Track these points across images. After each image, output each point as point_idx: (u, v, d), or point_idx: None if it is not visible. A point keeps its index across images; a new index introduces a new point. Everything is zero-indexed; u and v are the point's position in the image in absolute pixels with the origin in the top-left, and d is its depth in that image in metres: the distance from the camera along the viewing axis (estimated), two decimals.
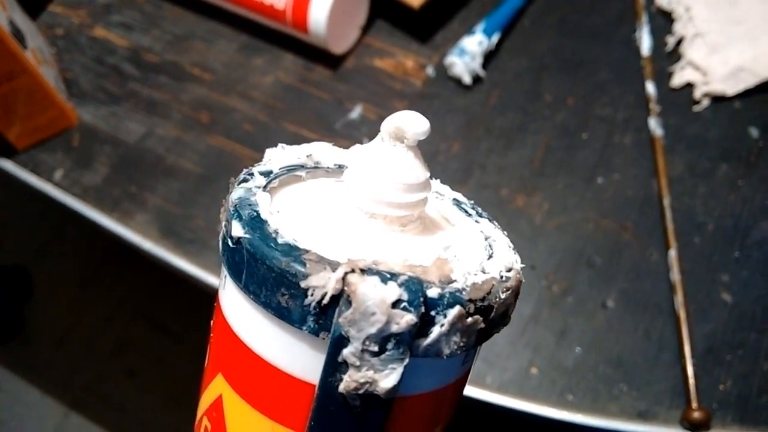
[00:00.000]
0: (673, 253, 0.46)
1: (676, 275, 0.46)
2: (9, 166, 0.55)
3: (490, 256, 0.22)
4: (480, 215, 0.25)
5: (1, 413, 1.21)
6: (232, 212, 0.20)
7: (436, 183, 0.26)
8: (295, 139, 0.55)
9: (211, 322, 0.22)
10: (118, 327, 1.28)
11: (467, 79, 0.55)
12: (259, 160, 0.48)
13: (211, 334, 0.22)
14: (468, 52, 0.54)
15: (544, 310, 0.46)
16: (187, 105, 0.58)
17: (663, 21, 0.57)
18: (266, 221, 0.20)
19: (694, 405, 0.41)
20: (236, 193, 0.21)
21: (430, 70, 0.57)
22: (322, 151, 0.25)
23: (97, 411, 1.20)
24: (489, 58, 0.57)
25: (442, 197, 0.26)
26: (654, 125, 0.51)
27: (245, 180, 0.22)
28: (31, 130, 0.55)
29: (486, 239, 0.23)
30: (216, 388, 0.21)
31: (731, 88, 0.52)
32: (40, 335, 1.28)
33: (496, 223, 0.24)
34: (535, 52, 0.57)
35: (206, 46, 0.61)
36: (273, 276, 0.18)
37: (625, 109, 0.53)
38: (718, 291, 0.46)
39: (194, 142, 0.56)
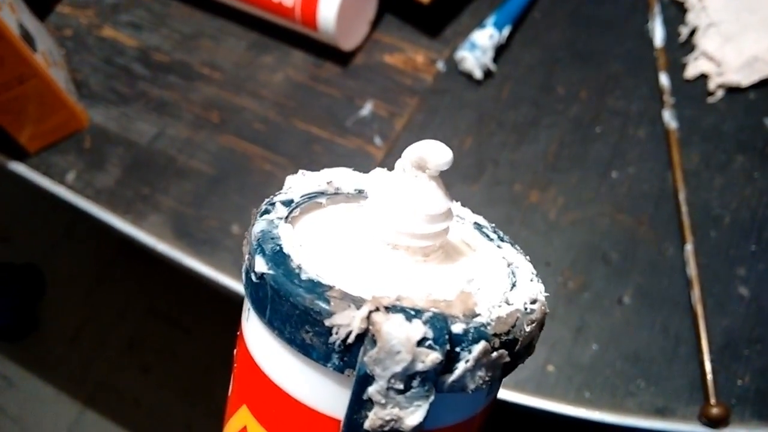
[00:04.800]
0: (689, 247, 0.46)
1: (692, 270, 0.45)
2: (22, 169, 0.55)
3: (514, 285, 0.22)
4: (502, 239, 0.25)
5: (17, 411, 1.22)
6: (255, 246, 0.20)
7: (456, 206, 0.26)
8: (306, 137, 0.55)
9: (234, 351, 0.22)
10: (131, 322, 1.29)
11: (478, 74, 0.55)
12: (270, 158, 0.49)
13: (235, 365, 0.22)
14: (479, 46, 0.54)
15: (560, 307, 0.46)
16: (198, 105, 0.57)
17: (676, 11, 0.56)
18: (289, 256, 0.20)
19: (713, 401, 0.41)
20: (258, 225, 0.21)
21: (440, 65, 0.57)
22: (342, 177, 0.25)
23: (112, 407, 1.21)
24: (500, 51, 0.56)
25: (463, 221, 0.26)
26: (668, 118, 0.51)
27: (267, 211, 0.22)
28: (42, 133, 0.55)
29: (509, 266, 0.23)
30: (241, 419, 0.21)
31: (746, 79, 0.51)
32: (53, 332, 1.29)
33: (518, 248, 0.24)
34: (547, 45, 0.57)
35: (215, 45, 0.61)
36: (297, 313, 0.18)
37: (639, 101, 0.53)
38: (735, 285, 0.45)
39: (205, 142, 0.55)
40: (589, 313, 0.45)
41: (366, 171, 0.52)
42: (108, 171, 0.55)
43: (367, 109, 0.55)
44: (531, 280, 0.22)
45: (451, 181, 0.52)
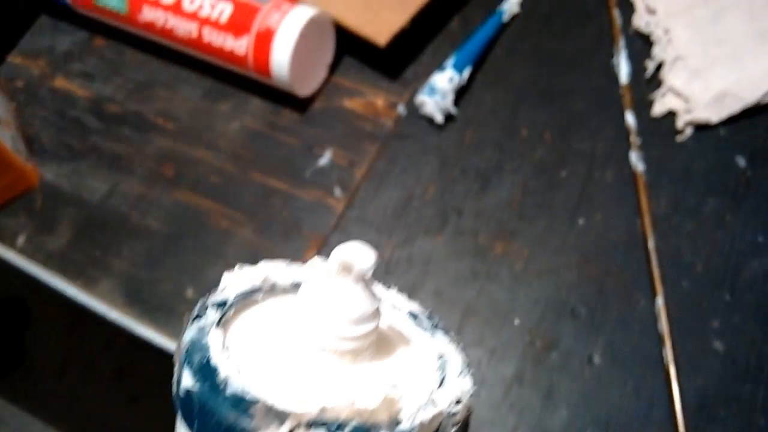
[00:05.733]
0: (660, 300, 0.44)
1: (664, 325, 0.43)
2: None
3: (442, 382, 0.21)
4: (436, 327, 0.24)
5: None
6: (183, 358, 0.20)
7: (392, 293, 0.26)
8: (264, 190, 0.53)
9: None
10: (117, 352, 1.27)
11: (439, 118, 0.53)
12: (226, 213, 0.47)
13: None
14: (438, 90, 0.52)
15: (528, 369, 0.44)
16: (151, 158, 0.55)
17: (641, 44, 0.54)
18: (216, 368, 0.20)
19: None
20: (188, 334, 0.21)
21: (401, 109, 0.55)
22: (278, 271, 0.25)
23: None
24: (462, 92, 0.54)
25: (399, 310, 0.25)
26: (635, 159, 0.49)
27: (198, 316, 0.22)
28: None
29: (440, 358, 0.23)
30: None
31: (715, 115, 0.50)
32: (39, 366, 1.27)
33: (452, 335, 0.24)
34: (510, 84, 0.55)
35: (170, 94, 0.59)
36: (223, 429, 0.19)
37: (605, 142, 0.51)
38: (710, 339, 0.43)
39: (159, 199, 0.53)
40: (558, 374, 0.44)
41: (325, 226, 0.50)
42: (59, 233, 0.53)
43: (326, 157, 0.54)
44: (460, 374, 0.22)
45: (413, 233, 0.50)
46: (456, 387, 0.21)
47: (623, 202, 0.49)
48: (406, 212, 0.51)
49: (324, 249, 0.50)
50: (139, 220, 0.53)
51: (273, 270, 0.25)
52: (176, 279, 0.50)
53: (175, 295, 0.50)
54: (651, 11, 0.54)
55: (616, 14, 0.55)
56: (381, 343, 0.23)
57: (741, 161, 0.49)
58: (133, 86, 0.60)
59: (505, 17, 0.56)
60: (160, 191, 0.54)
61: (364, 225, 0.50)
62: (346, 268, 0.21)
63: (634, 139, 0.50)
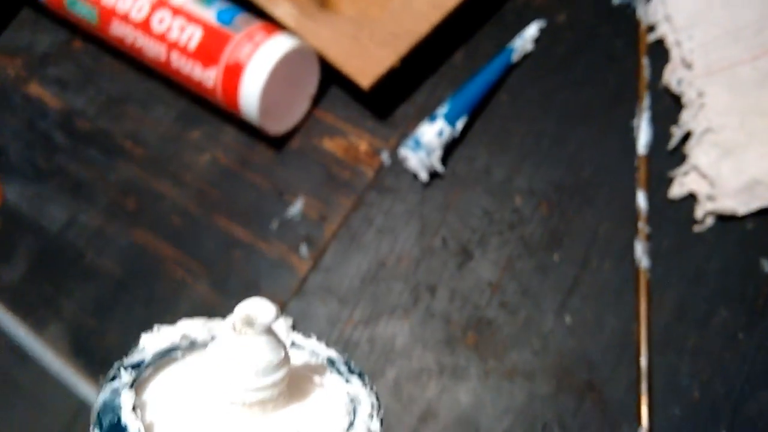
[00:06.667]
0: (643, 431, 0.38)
1: None
2: None
3: (351, 425, 0.23)
4: (352, 372, 0.25)
5: None
6: (96, 420, 0.21)
7: (311, 341, 0.27)
8: (226, 240, 0.48)
9: None
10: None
11: (424, 176, 0.47)
12: (184, 262, 0.46)
13: None
14: (424, 146, 0.46)
15: None
16: (115, 187, 0.51)
17: (670, 104, 0.46)
18: (126, 428, 0.20)
19: None
20: (102, 396, 0.22)
21: (384, 157, 0.49)
22: (197, 329, 0.26)
23: None
24: (454, 143, 0.48)
25: (317, 356, 0.26)
26: (640, 252, 0.42)
27: (114, 377, 0.22)
28: None
29: (351, 401, 0.24)
30: None
31: (743, 206, 0.42)
32: None
33: (368, 379, 0.24)
34: (510, 139, 0.48)
35: (142, 113, 0.54)
36: None
37: (609, 222, 0.44)
38: None
39: (117, 236, 0.50)
40: None
41: (286, 289, 0.45)
42: (15, 263, 0.50)
43: (296, 207, 0.48)
44: (370, 416, 0.23)
45: (379, 310, 0.44)
46: (365, 429, 0.22)
47: (620, 301, 0.42)
48: (374, 283, 0.45)
49: (282, 315, 0.45)
50: (94, 258, 0.49)
51: (191, 327, 0.26)
52: (124, 331, 0.47)
53: (120, 350, 0.46)
54: (687, 65, 0.45)
55: (645, 63, 0.47)
56: (294, 390, 0.24)
57: (767, 265, 0.41)
58: (105, 99, 0.55)
59: (515, 56, 0.49)
60: (119, 227, 0.50)
61: (328, 294, 0.45)
62: (249, 323, 0.22)
63: (643, 227, 0.43)
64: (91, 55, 0.57)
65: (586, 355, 0.41)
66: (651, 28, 0.48)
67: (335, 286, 0.46)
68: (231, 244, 0.48)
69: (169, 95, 0.54)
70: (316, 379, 0.26)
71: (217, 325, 0.26)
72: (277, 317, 0.22)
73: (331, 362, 0.26)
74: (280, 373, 0.23)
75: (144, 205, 0.50)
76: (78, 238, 0.50)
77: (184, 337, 0.25)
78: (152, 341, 0.24)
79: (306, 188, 0.49)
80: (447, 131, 0.46)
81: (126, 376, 0.23)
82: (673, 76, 0.46)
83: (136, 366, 0.23)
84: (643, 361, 0.40)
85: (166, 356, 0.24)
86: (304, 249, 0.47)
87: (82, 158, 0.53)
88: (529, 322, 0.43)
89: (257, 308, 0.22)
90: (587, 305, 0.42)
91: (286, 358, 0.23)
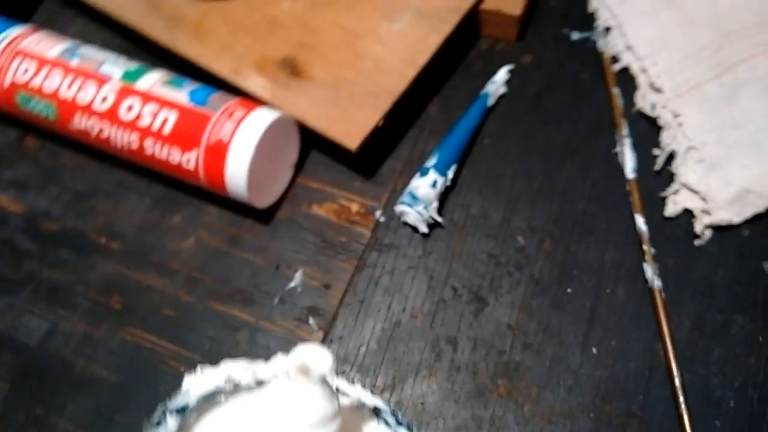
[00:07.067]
0: None
1: None
2: None
3: None
4: (399, 424, 0.25)
5: None
6: None
7: (357, 388, 0.27)
8: (226, 324, 0.46)
9: None
10: None
11: (424, 229, 0.46)
12: (183, 355, 0.42)
13: None
14: (420, 199, 0.45)
15: None
16: (95, 287, 0.48)
17: (647, 128, 0.48)
18: None
19: None
20: None
21: (379, 214, 0.48)
22: (241, 371, 0.26)
23: None
24: (447, 192, 0.48)
25: (363, 405, 0.26)
26: (651, 274, 0.43)
27: (159, 423, 0.23)
28: None
29: None
30: None
31: (737, 216, 0.43)
32: None
33: (414, 428, 0.25)
34: (501, 181, 0.48)
35: (113, 205, 0.51)
36: None
37: (614, 249, 0.45)
38: None
39: (105, 339, 0.46)
40: None
41: None
42: None
43: (297, 279, 0.47)
44: None
45: (401, 373, 0.43)
46: None
47: (640, 324, 0.42)
48: (392, 345, 0.44)
49: None
50: (84, 367, 0.46)
51: (235, 369, 0.26)
52: None
53: None
54: (657, 89, 0.47)
55: (616, 93, 0.49)
56: None
57: None
58: (71, 197, 0.52)
59: (491, 101, 0.50)
60: (107, 329, 0.47)
61: (345, 364, 0.44)
62: (305, 371, 0.21)
63: (648, 249, 0.44)
64: (47, 151, 0.54)
65: (619, 383, 0.41)
66: (614, 59, 0.50)
67: (351, 354, 0.44)
68: (233, 327, 0.46)
69: (140, 183, 0.52)
70: (364, 429, 0.26)
71: (261, 367, 0.26)
72: (332, 367, 0.22)
73: (377, 412, 0.26)
74: (334, 425, 0.22)
75: (131, 302, 0.47)
76: (63, 348, 0.47)
77: (228, 379, 0.25)
78: (196, 384, 0.25)
79: (303, 258, 0.47)
80: (440, 181, 0.46)
81: (171, 422, 0.22)
82: (645, 101, 0.48)
83: (181, 410, 0.23)
84: (677, 380, 0.40)
85: (210, 400, 0.24)
86: (312, 321, 0.45)
87: (53, 262, 0.50)
88: (557, 360, 0.42)
89: (313, 355, 0.21)
90: (610, 333, 0.42)
91: (339, 409, 0.23)
